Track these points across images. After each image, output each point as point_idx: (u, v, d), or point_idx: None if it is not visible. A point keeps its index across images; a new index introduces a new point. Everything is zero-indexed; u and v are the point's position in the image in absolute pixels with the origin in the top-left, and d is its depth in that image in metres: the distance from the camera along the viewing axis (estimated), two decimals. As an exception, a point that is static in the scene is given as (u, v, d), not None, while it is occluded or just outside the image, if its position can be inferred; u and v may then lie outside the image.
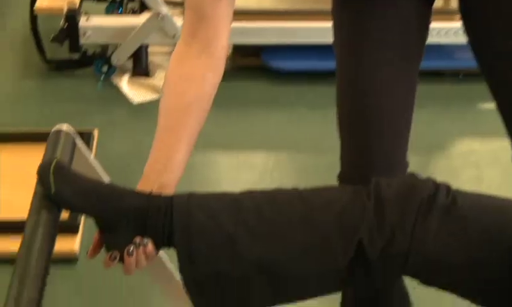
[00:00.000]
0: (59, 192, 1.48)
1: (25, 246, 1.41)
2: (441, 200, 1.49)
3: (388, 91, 1.88)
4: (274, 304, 1.56)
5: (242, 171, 3.13)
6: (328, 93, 3.42)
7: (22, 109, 3.41)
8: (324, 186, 1.59)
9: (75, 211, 1.56)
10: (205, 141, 3.29)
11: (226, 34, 1.70)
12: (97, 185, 1.56)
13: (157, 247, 1.53)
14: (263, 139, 3.36)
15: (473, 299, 1.57)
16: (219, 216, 1.52)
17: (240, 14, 3.51)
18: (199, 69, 1.67)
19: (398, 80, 1.90)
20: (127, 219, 1.51)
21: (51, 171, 1.49)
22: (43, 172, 1.49)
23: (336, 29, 1.93)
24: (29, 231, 1.44)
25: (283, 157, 3.27)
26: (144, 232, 1.51)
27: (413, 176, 1.59)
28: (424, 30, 1.92)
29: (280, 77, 3.69)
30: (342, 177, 1.98)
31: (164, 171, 1.61)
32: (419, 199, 1.48)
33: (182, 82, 1.67)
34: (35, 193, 1.54)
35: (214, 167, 3.19)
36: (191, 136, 1.66)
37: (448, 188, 1.52)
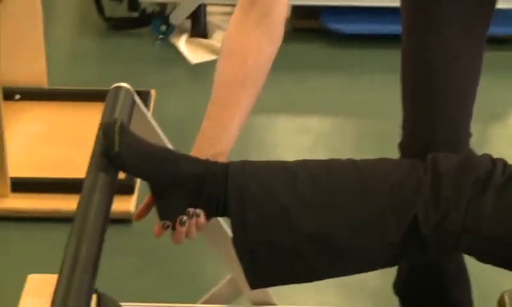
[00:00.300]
0: (121, 152, 1.48)
1: (84, 204, 1.43)
2: (497, 177, 1.48)
3: (455, 52, 1.86)
4: (325, 277, 1.56)
5: (298, 135, 3.13)
6: (388, 58, 3.41)
7: (80, 68, 3.44)
8: (380, 158, 1.58)
9: (133, 173, 1.56)
10: (262, 105, 3.28)
11: (285, 1, 1.68)
12: (156, 149, 1.57)
13: (209, 216, 1.54)
14: (320, 103, 3.35)
15: None
16: (274, 186, 1.52)
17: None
18: (257, 40, 1.65)
19: (466, 42, 1.87)
20: (183, 186, 1.51)
21: (116, 130, 1.49)
22: (108, 131, 1.49)
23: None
24: (87, 190, 1.45)
25: (340, 122, 3.27)
26: (198, 200, 1.52)
27: (470, 152, 1.58)
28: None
29: (340, 40, 3.67)
30: (403, 146, 1.97)
31: (219, 142, 1.61)
32: (475, 175, 1.47)
33: (239, 54, 1.65)
34: (94, 152, 1.56)
35: (271, 131, 3.20)
36: (246, 108, 1.65)
37: (505, 164, 1.50)
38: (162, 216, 1.53)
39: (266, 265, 1.53)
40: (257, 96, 1.67)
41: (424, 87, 1.88)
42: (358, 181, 1.53)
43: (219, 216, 1.56)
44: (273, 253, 1.52)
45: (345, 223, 1.50)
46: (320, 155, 3.04)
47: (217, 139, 1.61)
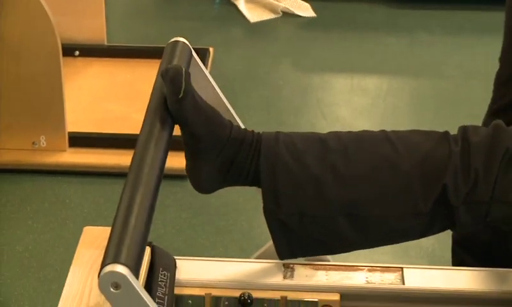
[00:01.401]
0: (185, 99, 1.49)
1: (138, 157, 1.45)
2: None
3: None
4: (356, 248, 1.59)
5: (356, 94, 3.13)
6: (447, 19, 3.39)
7: (139, 25, 3.46)
8: (411, 130, 1.58)
9: (189, 123, 1.55)
10: (321, 64, 3.31)
11: None
12: (213, 109, 1.57)
13: (240, 184, 1.55)
14: (378, 63, 3.35)
15: None
16: (306, 157, 1.52)
17: None
18: None
19: None
20: (221, 147, 1.53)
21: (184, 76, 1.50)
22: (176, 76, 1.50)
23: None
24: (142, 144, 1.47)
25: (398, 82, 3.26)
26: (230, 167, 1.54)
27: (499, 124, 1.57)
28: None
29: (399, 1, 3.66)
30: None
31: None
32: (504, 148, 1.47)
33: None
34: (149, 107, 1.58)
35: (329, 90, 3.20)
36: None
37: None
38: (195, 185, 1.57)
39: (297, 236, 1.55)
40: None
41: None
42: (388, 152, 1.53)
43: (249, 185, 1.56)
44: (304, 225, 1.53)
45: (376, 194, 1.52)
46: (377, 114, 3.07)
47: None
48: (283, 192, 1.53)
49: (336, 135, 1.56)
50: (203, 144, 1.60)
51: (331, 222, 1.53)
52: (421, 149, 1.51)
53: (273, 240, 1.58)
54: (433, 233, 1.57)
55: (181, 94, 1.49)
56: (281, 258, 1.61)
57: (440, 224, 1.52)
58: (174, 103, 1.50)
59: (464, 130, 1.53)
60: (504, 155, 1.48)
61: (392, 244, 1.58)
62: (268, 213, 1.53)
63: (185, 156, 1.58)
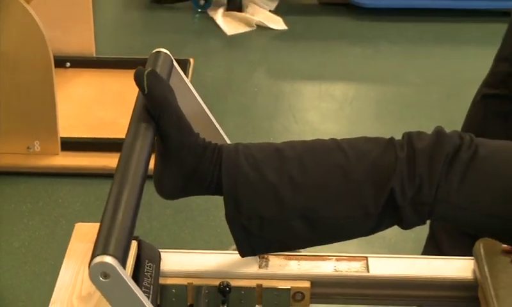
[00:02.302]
0: (153, 94, 1.50)
1: (124, 159, 1.46)
2: (463, 153, 1.49)
3: None
4: (310, 246, 1.60)
5: (324, 100, 3.15)
6: (408, 29, 3.41)
7: (125, 38, 3.47)
8: (361, 137, 1.59)
9: (158, 119, 1.54)
10: (292, 72, 3.32)
11: None
12: (181, 111, 1.55)
13: (203, 193, 1.56)
14: (345, 71, 3.37)
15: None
16: (264, 167, 1.53)
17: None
18: None
19: None
20: (186, 152, 1.53)
21: (143, 73, 1.49)
22: (138, 73, 1.49)
23: None
24: (127, 147, 1.49)
25: (363, 89, 3.28)
26: (192, 175, 1.54)
27: (441, 131, 1.58)
28: None
29: (364, 13, 3.67)
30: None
31: None
32: (445, 152, 1.48)
33: None
34: (133, 116, 1.59)
35: (300, 96, 3.21)
36: None
37: (471, 139, 1.51)
38: (159, 190, 1.57)
39: (257, 238, 1.56)
40: None
41: None
42: (340, 160, 1.53)
43: (211, 194, 1.56)
44: (263, 227, 1.54)
45: (329, 199, 1.52)
46: (344, 118, 3.09)
47: None
48: (243, 200, 1.53)
49: (291, 146, 1.57)
50: (170, 144, 1.60)
51: (288, 225, 1.54)
52: (370, 157, 1.52)
53: (235, 242, 1.58)
54: (382, 230, 1.58)
55: (146, 90, 1.50)
56: (242, 256, 1.62)
57: (388, 222, 1.53)
58: (144, 99, 1.51)
59: (408, 136, 1.53)
60: (445, 160, 1.50)
61: (345, 240, 1.59)
62: (230, 219, 1.53)
63: (154, 160, 1.58)
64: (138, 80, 1.54)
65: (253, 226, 1.54)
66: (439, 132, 1.53)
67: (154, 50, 1.75)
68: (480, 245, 1.81)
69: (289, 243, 1.61)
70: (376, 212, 1.51)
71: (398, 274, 1.85)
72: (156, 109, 1.57)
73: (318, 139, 1.58)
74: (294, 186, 1.51)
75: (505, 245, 1.80)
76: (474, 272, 1.79)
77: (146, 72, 1.54)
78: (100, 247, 1.26)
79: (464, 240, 2.12)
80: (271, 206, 1.53)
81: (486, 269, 1.76)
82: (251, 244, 1.58)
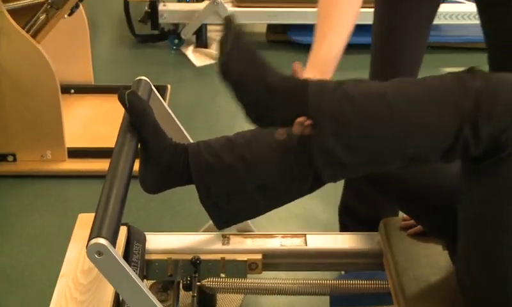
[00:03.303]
0: (132, 107, 1.48)
1: (114, 162, 1.45)
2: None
3: (409, 33, 1.87)
4: (267, 211, 1.57)
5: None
6: (340, 61, 3.39)
7: (117, 70, 3.45)
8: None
9: (139, 127, 1.52)
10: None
11: None
12: (156, 121, 1.55)
13: (179, 184, 1.55)
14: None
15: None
16: (220, 153, 1.51)
17: (273, 2, 3.51)
18: None
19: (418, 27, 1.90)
20: (161, 152, 1.52)
21: (124, 93, 1.48)
22: (120, 93, 1.49)
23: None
24: (116, 154, 1.47)
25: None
26: (168, 171, 1.52)
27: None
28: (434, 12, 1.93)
29: (303, 48, 3.67)
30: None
31: (327, 61, 1.45)
32: None
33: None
34: (122, 126, 1.57)
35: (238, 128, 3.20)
36: (350, 31, 1.49)
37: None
38: (143, 187, 1.55)
39: (226, 211, 1.54)
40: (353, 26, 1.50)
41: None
42: (270, 141, 1.49)
43: (185, 184, 1.55)
44: (230, 202, 1.52)
45: (273, 173, 1.50)
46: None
47: (327, 56, 1.45)
48: (209, 183, 1.51)
49: (241, 134, 1.55)
50: (149, 148, 1.58)
51: (248, 196, 1.52)
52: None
53: (210, 218, 1.56)
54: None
55: (127, 105, 1.48)
56: (219, 229, 1.60)
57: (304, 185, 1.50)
58: (126, 113, 1.50)
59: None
60: None
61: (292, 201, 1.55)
62: (203, 200, 1.52)
63: (139, 163, 1.56)
64: (121, 98, 1.53)
65: (222, 202, 1.52)
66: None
67: (136, 78, 1.73)
68: (383, 223, 1.83)
69: (252, 211, 1.57)
70: (304, 174, 1.47)
71: (328, 247, 1.86)
72: (136, 119, 1.56)
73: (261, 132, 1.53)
74: (245, 163, 1.49)
75: (403, 223, 1.80)
76: (379, 243, 1.81)
77: (127, 92, 1.53)
78: (95, 231, 1.24)
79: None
80: (231, 183, 1.50)
81: (388, 241, 1.77)
82: (223, 217, 1.55)
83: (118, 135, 1.54)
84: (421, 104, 1.28)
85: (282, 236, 1.86)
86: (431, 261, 1.64)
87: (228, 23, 1.36)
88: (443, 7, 3.41)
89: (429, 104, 1.28)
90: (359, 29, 1.69)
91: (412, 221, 1.77)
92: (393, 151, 1.31)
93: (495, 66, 1.85)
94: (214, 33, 3.75)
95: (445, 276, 1.54)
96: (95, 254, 1.22)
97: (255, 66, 1.37)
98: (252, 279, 1.83)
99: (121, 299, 1.63)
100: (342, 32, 1.47)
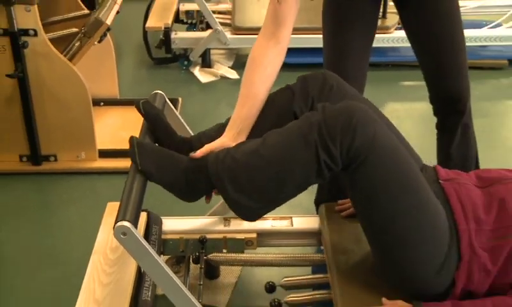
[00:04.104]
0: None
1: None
2: None
3: (355, 47, 1.85)
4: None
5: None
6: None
7: (138, 86, 3.43)
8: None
9: (156, 131, 1.54)
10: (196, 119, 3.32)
11: (291, 29, 1.60)
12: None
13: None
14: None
15: None
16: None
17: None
18: (275, 56, 1.56)
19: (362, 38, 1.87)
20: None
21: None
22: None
23: (325, 13, 1.88)
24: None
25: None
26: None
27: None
28: (374, 26, 1.90)
29: (289, 67, 3.66)
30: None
31: (246, 120, 1.53)
32: None
33: (263, 65, 1.56)
34: (141, 130, 1.57)
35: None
36: (264, 99, 1.56)
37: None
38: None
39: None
40: (269, 90, 1.57)
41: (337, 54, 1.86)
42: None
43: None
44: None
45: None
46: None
47: (246, 117, 1.53)
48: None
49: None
50: (164, 145, 1.56)
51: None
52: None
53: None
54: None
55: (142, 112, 1.56)
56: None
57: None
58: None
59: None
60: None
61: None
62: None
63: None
64: (137, 107, 1.54)
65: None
66: None
67: (153, 92, 1.73)
68: (323, 207, 1.83)
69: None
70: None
71: (308, 227, 1.86)
72: (150, 123, 1.55)
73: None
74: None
75: (338, 207, 1.79)
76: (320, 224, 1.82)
77: (141, 101, 1.54)
78: (120, 216, 1.25)
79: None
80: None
81: (325, 222, 1.77)
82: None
83: (130, 141, 1.53)
84: (283, 148, 1.38)
85: (273, 219, 1.86)
86: (359, 238, 1.63)
87: (131, 142, 1.46)
88: (401, 33, 3.42)
89: (289, 146, 1.37)
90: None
91: (346, 205, 1.77)
92: (280, 187, 1.40)
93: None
94: (217, 55, 3.75)
95: (369, 250, 1.53)
96: (121, 234, 1.22)
97: (165, 158, 1.45)
98: (248, 254, 1.84)
99: (142, 270, 1.62)
100: (258, 101, 1.54)
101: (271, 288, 1.77)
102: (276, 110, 1.56)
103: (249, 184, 1.40)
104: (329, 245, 1.67)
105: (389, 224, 1.37)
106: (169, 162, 1.46)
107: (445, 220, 1.40)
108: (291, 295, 1.70)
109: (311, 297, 1.68)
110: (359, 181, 1.37)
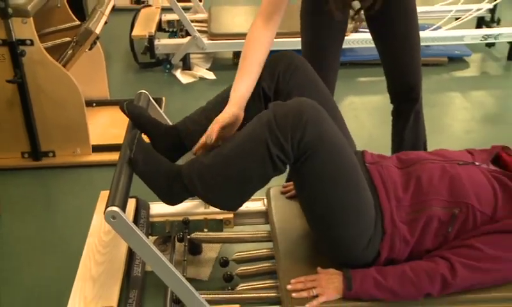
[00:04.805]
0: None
1: (122, 154, 1.43)
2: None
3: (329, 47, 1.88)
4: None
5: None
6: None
7: (126, 88, 3.39)
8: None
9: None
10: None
11: (282, 15, 1.59)
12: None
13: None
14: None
15: None
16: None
17: (236, 36, 3.49)
18: (268, 37, 1.55)
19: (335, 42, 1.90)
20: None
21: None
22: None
23: (303, 20, 1.89)
24: (124, 144, 1.45)
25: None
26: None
27: None
28: (344, 31, 1.91)
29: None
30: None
31: (246, 92, 1.50)
32: None
33: (259, 43, 1.55)
34: (127, 128, 1.55)
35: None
36: (258, 74, 1.54)
37: None
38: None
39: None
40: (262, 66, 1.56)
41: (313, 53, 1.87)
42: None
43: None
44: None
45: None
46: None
47: (245, 91, 1.50)
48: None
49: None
50: (152, 136, 1.55)
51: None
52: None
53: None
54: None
55: (126, 112, 1.51)
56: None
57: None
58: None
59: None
60: None
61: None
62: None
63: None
64: (121, 108, 1.52)
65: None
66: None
67: (138, 92, 1.71)
68: (270, 190, 1.83)
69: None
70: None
71: (253, 207, 1.86)
72: (135, 120, 1.54)
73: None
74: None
75: (283, 189, 1.79)
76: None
77: (125, 103, 1.52)
78: (110, 202, 1.23)
79: None
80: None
81: (271, 203, 1.77)
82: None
83: (125, 134, 1.52)
84: (240, 147, 1.36)
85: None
86: (300, 217, 1.65)
87: (133, 134, 1.42)
88: (357, 36, 3.44)
89: (244, 145, 1.36)
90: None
91: (289, 187, 1.78)
92: (243, 183, 1.38)
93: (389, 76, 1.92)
94: (196, 59, 3.73)
95: (307, 227, 1.55)
96: (111, 218, 1.21)
97: (154, 158, 1.42)
98: (227, 232, 1.83)
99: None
100: (253, 76, 1.52)
101: (224, 262, 1.77)
102: None
103: (215, 182, 1.39)
104: (274, 223, 1.67)
105: (329, 209, 1.39)
106: (156, 161, 1.44)
107: (372, 204, 1.42)
108: (241, 268, 1.70)
109: (257, 268, 1.68)
110: (306, 172, 1.36)
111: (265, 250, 1.72)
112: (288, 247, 1.57)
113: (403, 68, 1.90)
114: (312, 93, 1.48)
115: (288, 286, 1.43)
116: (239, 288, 1.60)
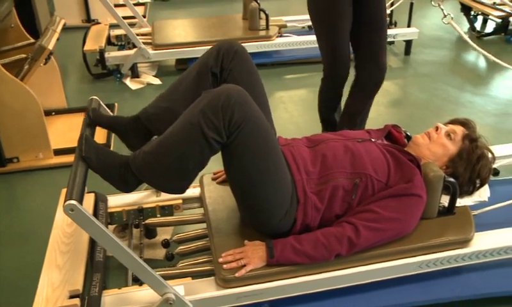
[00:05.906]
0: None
1: (77, 150, 1.39)
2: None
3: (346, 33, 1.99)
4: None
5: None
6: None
7: (81, 97, 3.28)
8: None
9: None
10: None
11: None
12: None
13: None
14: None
15: None
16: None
17: (178, 45, 3.45)
18: None
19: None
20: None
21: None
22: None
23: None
24: (79, 142, 1.42)
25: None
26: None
27: None
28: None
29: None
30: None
31: None
32: None
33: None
34: (81, 132, 1.51)
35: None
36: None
37: None
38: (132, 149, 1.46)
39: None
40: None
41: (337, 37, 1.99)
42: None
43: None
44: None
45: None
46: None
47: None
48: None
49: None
50: (117, 129, 1.55)
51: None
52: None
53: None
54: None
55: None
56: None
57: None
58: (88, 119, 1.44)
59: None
60: None
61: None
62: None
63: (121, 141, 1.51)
64: (87, 115, 1.47)
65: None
66: None
67: (90, 97, 1.67)
68: (202, 177, 1.81)
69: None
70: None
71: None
72: (101, 125, 1.50)
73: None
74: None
75: (213, 176, 1.79)
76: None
77: (89, 111, 1.48)
78: (68, 196, 1.20)
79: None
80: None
81: (204, 188, 1.77)
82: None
83: (80, 135, 1.48)
84: (178, 134, 1.34)
85: (193, 187, 1.86)
86: (229, 199, 1.66)
87: (81, 136, 1.39)
88: (282, 40, 3.47)
89: (181, 131, 1.34)
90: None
91: (219, 174, 1.80)
92: (185, 165, 1.35)
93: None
94: (143, 68, 3.66)
95: (237, 207, 1.58)
96: (69, 210, 1.18)
97: (104, 153, 1.38)
98: (177, 216, 1.82)
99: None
100: None
101: (166, 244, 1.77)
102: (196, 68, 1.56)
103: (158, 168, 1.37)
104: (207, 205, 1.68)
105: (252, 182, 1.40)
106: (107, 156, 1.41)
107: (290, 180, 1.45)
108: (180, 247, 1.70)
109: (194, 246, 1.69)
110: (234, 150, 1.36)
111: (200, 230, 1.73)
112: (219, 225, 1.58)
113: (378, 43, 2.01)
114: (248, 76, 1.52)
115: (220, 259, 1.44)
116: (179, 264, 1.60)
